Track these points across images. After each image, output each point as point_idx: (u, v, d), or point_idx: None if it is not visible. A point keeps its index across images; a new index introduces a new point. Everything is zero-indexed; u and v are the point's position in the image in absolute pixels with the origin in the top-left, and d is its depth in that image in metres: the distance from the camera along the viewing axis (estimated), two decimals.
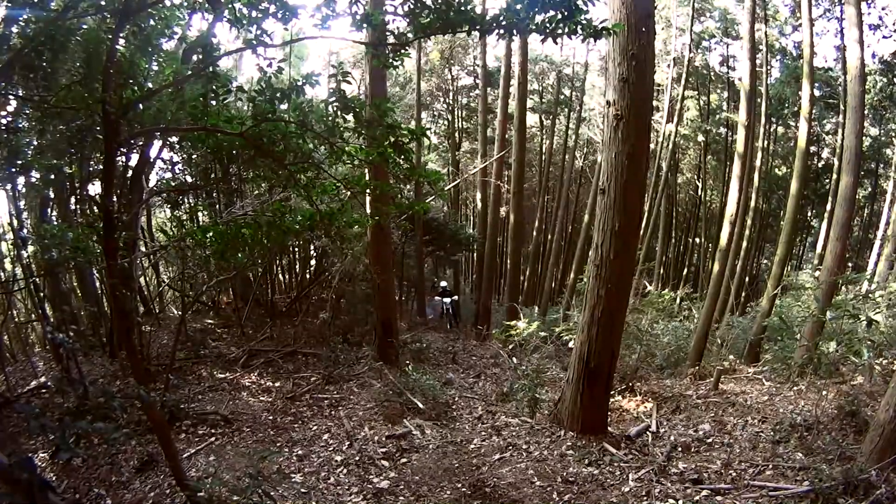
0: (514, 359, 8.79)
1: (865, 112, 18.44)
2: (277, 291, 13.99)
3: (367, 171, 8.41)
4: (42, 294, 8.46)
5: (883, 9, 20.38)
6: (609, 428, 6.29)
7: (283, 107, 4.29)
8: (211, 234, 5.35)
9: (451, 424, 7.18)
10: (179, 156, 10.60)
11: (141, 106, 3.98)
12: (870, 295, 8.74)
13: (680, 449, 5.66)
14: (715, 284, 12.11)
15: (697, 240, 29.68)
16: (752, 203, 18.20)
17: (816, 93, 18.93)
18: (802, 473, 4.74)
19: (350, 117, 4.51)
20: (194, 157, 10.35)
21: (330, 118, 4.42)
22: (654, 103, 22.23)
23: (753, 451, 5.40)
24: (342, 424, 7.06)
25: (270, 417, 7.33)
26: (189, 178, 11.29)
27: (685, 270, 28.42)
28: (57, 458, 5.29)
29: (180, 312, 12.06)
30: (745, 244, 17.08)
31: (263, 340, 10.74)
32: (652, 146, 22.00)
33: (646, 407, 7.25)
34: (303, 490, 5.29)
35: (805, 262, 24.95)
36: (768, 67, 20.97)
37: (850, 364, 7.85)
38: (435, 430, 6.87)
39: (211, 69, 3.97)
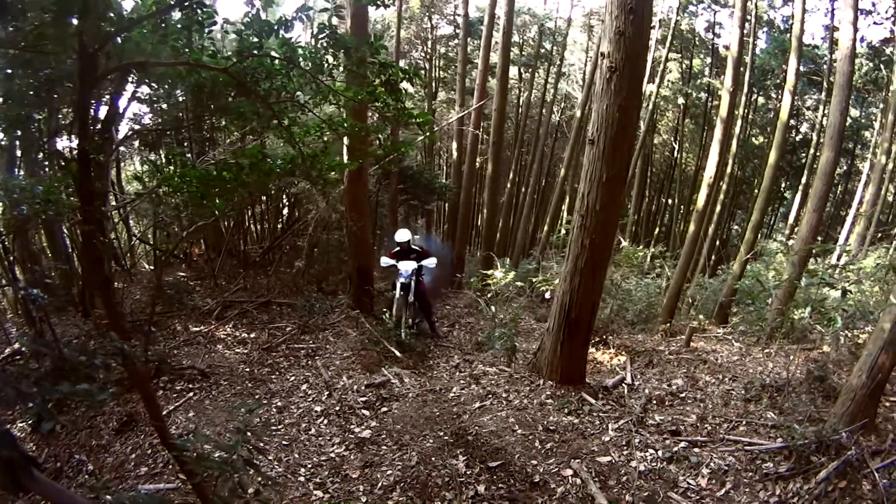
0: (493, 307, 9.02)
1: (851, 93, 19.15)
2: (249, 242, 13.80)
3: (345, 113, 8.30)
4: (12, 256, 8.16)
5: None
6: (586, 380, 6.48)
7: (269, 43, 4.18)
8: (189, 178, 5.18)
9: (429, 373, 7.34)
10: (149, 105, 10.12)
11: (119, 39, 3.82)
12: (846, 267, 9.19)
13: (654, 402, 5.91)
14: (689, 244, 12.55)
15: (670, 201, 30.32)
16: (728, 169, 18.61)
17: (802, 68, 19.32)
18: (775, 431, 5.01)
19: (338, 56, 4.42)
20: (165, 106, 9.94)
21: (319, 55, 4.34)
22: None
23: (726, 408, 5.67)
24: (320, 374, 7.15)
25: (247, 370, 7.36)
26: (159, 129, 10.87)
27: (656, 230, 29.07)
28: (40, 429, 5.23)
29: (152, 267, 11.92)
30: (718, 208, 17.53)
31: (237, 292, 10.73)
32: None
33: (619, 360, 7.50)
34: (284, 442, 5.38)
35: (775, 231, 25.81)
36: (754, 37, 21.25)
37: (816, 333, 8.27)
38: (413, 379, 7.03)
39: None
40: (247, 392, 6.70)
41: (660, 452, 4.80)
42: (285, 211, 14.40)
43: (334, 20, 4.21)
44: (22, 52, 5.38)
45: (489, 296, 10.57)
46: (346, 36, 4.28)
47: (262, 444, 5.05)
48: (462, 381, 6.94)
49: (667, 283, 12.43)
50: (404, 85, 5.57)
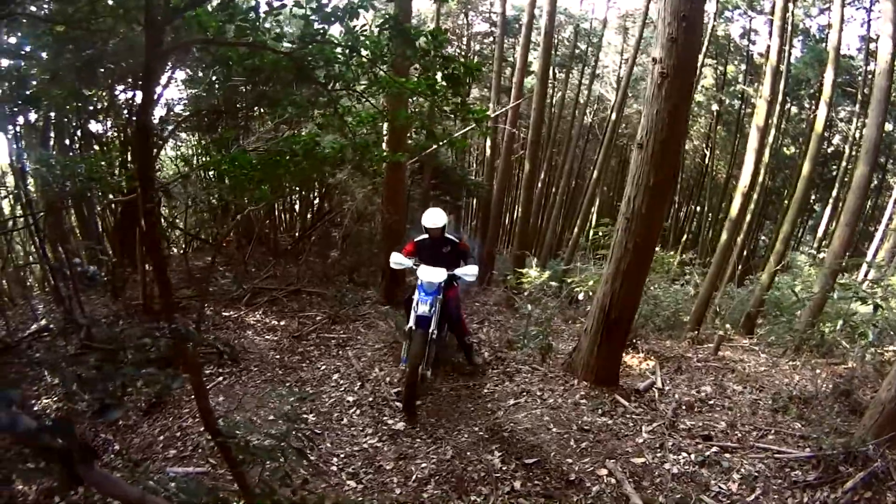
0: (530, 305, 9.04)
1: (888, 108, 19.23)
2: (280, 230, 14.05)
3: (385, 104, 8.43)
4: (42, 234, 7.97)
5: None
6: (619, 382, 6.66)
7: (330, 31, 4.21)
8: (240, 162, 5.34)
9: (462, 369, 7.48)
10: (192, 88, 10.28)
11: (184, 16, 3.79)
12: (878, 282, 9.32)
13: (684, 407, 6.09)
14: (721, 253, 12.72)
15: (699, 208, 30.27)
16: (760, 179, 18.63)
17: (839, 80, 19.36)
18: (803, 441, 5.20)
19: (400, 47, 4.41)
20: (206, 91, 9.91)
21: (381, 45, 4.36)
22: None
23: (754, 416, 5.85)
24: (351, 364, 7.32)
25: (277, 356, 7.52)
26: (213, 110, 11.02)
27: (684, 237, 29.05)
28: (106, 417, 5.29)
29: (183, 251, 12.13)
30: (748, 218, 17.57)
31: (267, 279, 10.87)
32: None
33: (648, 364, 7.66)
34: (316, 430, 5.54)
35: (803, 244, 25.72)
36: (790, 47, 21.27)
37: (842, 348, 8.40)
38: (446, 373, 7.19)
39: None
40: (277, 379, 6.88)
41: (692, 456, 5.00)
42: (316, 201, 14.62)
43: (379, 4, 4.25)
44: (71, 29, 5.45)
45: (525, 294, 10.68)
46: (409, 27, 4.35)
47: (313, 433, 5.34)
48: (495, 378, 7.12)
49: (695, 291, 12.57)
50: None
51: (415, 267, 6.71)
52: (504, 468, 4.89)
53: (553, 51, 28.06)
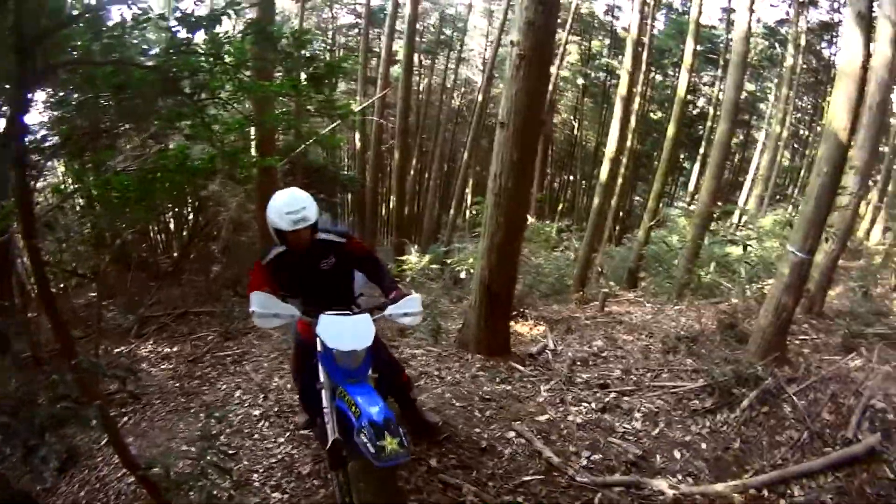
0: (413, 291, 9.04)
1: (746, 70, 21.30)
2: (158, 252, 13.43)
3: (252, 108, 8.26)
4: None
5: None
6: (511, 350, 6.77)
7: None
8: (114, 185, 5.09)
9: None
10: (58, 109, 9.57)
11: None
12: (745, 225, 10.02)
13: (579, 363, 6.29)
14: (595, 216, 13.50)
15: (572, 177, 31.60)
16: (629, 144, 19.67)
17: (699, 48, 20.97)
18: (695, 374, 5.51)
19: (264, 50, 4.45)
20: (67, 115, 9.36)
21: (244, 50, 4.35)
22: None
23: (647, 360, 6.14)
24: (251, 378, 7.05)
25: (177, 385, 7.24)
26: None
27: (560, 205, 30.26)
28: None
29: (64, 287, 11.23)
30: (620, 181, 18.48)
31: (152, 306, 10.40)
32: None
33: (539, 330, 7.81)
34: (231, 451, 5.21)
35: (677, 199, 27.61)
36: (653, 19, 22.80)
37: (724, 288, 8.94)
38: None
39: None
40: (181, 407, 6.56)
41: (593, 405, 5.15)
42: (191, 217, 14.06)
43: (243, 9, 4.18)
44: None
45: (407, 281, 10.67)
46: (274, 30, 4.38)
47: (228, 448, 5.03)
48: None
49: (575, 256, 13.05)
50: None
51: (309, 320, 3.58)
52: (417, 449, 4.80)
53: (418, 38, 28.51)
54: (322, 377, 3.56)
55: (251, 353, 8.04)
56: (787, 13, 24.73)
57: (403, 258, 11.21)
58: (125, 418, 6.36)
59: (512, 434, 4.83)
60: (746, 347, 5.57)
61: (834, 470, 3.91)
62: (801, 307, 7.77)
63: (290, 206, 3.72)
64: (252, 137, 9.47)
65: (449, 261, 11.52)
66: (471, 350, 6.71)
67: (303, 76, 4.73)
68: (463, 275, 11.29)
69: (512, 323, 7.90)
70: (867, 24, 5.20)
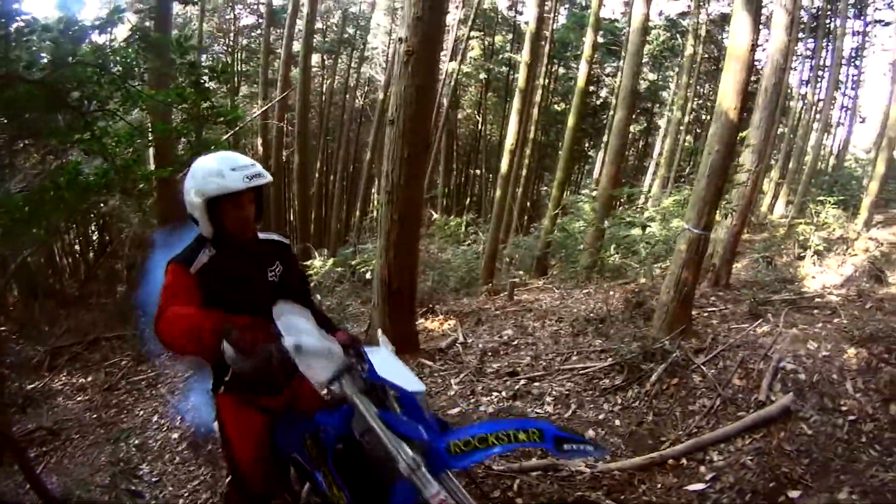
0: (319, 296, 8.82)
1: (647, 60, 22.52)
2: (64, 277, 12.88)
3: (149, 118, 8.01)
4: None
5: None
6: (421, 346, 6.68)
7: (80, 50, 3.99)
8: (6, 207, 4.72)
9: None
10: None
11: None
12: (645, 207, 10.31)
13: (490, 353, 6.23)
14: (498, 208, 13.73)
15: (478, 171, 32.04)
16: (531, 135, 20.06)
17: (600, 40, 21.80)
18: (604, 354, 5.53)
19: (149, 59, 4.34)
20: None
21: (130, 59, 4.21)
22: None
23: (557, 345, 6.14)
24: (167, 401, 6.95)
25: (94, 416, 7.05)
26: None
27: (467, 200, 30.70)
28: None
29: None
30: (524, 172, 18.91)
31: (63, 335, 10.08)
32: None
33: (449, 324, 7.76)
34: (154, 479, 5.13)
35: (583, 187, 28.47)
36: (555, 14, 23.36)
37: (630, 269, 9.14)
38: None
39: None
40: (101, 439, 6.38)
41: (503, 393, 5.11)
42: (95, 236, 13.52)
43: (132, 17, 4.01)
44: None
45: (311, 286, 10.43)
46: (158, 37, 4.25)
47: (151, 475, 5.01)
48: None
49: (483, 248, 13.13)
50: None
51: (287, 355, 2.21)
52: None
53: (322, 37, 28.25)
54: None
55: (165, 374, 7.92)
56: (689, 6, 26.02)
57: (308, 262, 10.95)
58: (46, 458, 6.19)
59: None
60: (651, 323, 5.67)
61: (750, 432, 3.98)
62: (707, 281, 8.05)
63: (237, 160, 2.46)
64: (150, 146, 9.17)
65: (354, 262, 11.34)
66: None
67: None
68: (368, 275, 11.17)
69: (422, 319, 7.89)
70: (756, 11, 5.37)
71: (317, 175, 25.73)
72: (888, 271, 8.63)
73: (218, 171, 2.39)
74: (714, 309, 7.01)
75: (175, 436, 5.91)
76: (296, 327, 2.30)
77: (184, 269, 2.40)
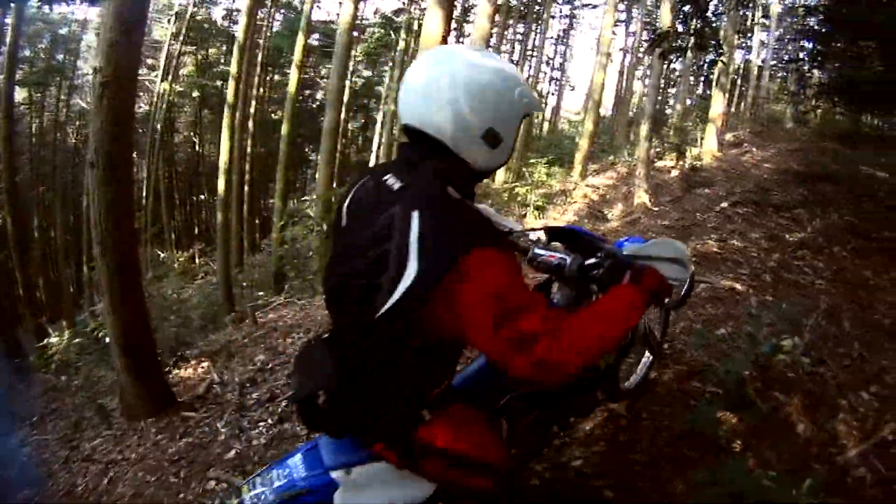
0: (63, 377, 8.36)
1: (362, 58, 23.40)
2: None
3: None
4: None
5: None
6: (180, 400, 6.65)
7: None
8: None
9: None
10: None
11: None
12: None
13: (248, 384, 6.50)
14: (223, 232, 13.79)
15: (202, 196, 30.95)
16: (249, 149, 19.87)
17: (315, 43, 22.01)
18: None
19: None
20: None
21: None
22: (151, 61, 22.34)
23: None
24: None
25: None
26: None
27: (196, 229, 29.56)
28: None
29: None
30: (247, 189, 18.76)
31: None
32: (147, 108, 22.16)
33: (203, 367, 7.83)
34: None
35: (309, 192, 28.96)
36: (271, 20, 23.04)
37: None
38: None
39: None
40: None
41: (269, 420, 5.50)
42: None
43: None
44: None
45: (54, 367, 9.86)
46: None
47: None
48: (77, 469, 6.39)
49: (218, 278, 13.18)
50: None
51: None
52: None
53: (30, 67, 24.62)
54: None
55: None
56: (404, 2, 27.14)
57: (44, 342, 10.29)
58: None
59: (212, 483, 4.95)
60: None
61: None
62: None
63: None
64: None
65: (90, 327, 10.79)
66: (139, 416, 6.46)
67: None
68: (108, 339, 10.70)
69: (176, 370, 7.89)
70: (449, 5, 5.81)
71: (36, 233, 23.16)
72: (606, 210, 10.33)
73: (516, 89, 1.88)
74: None
75: None
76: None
77: (503, 251, 1.74)
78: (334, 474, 1.96)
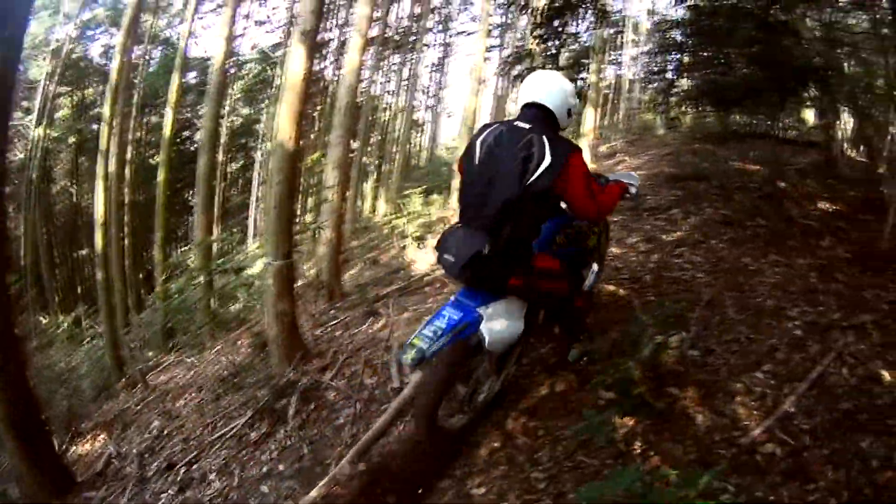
0: None
1: (240, 96, 22.33)
2: None
3: None
4: None
5: (273, 8, 29.74)
6: (80, 480, 6.15)
7: None
8: None
9: None
10: None
11: None
12: (238, 250, 10.82)
13: (146, 454, 6.16)
14: (104, 291, 12.82)
15: (84, 251, 29.18)
16: (127, 198, 18.77)
17: (194, 81, 21.00)
18: (244, 407, 5.88)
19: None
20: None
21: None
22: (25, 104, 20.81)
23: (202, 417, 6.32)
24: None
25: None
26: None
27: (79, 287, 27.88)
28: None
29: None
30: (128, 241, 17.75)
31: None
32: (22, 156, 20.64)
33: (100, 440, 7.41)
34: None
35: (193, 240, 27.85)
36: (149, 58, 21.86)
37: (252, 312, 9.52)
38: None
39: None
40: None
41: (171, 491, 5.19)
42: None
43: None
44: None
45: None
46: None
47: None
48: None
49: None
50: None
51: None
52: None
53: None
54: None
55: None
56: (281, 37, 26.57)
57: None
58: None
59: None
60: (270, 361, 6.16)
61: (400, 417, 4.57)
62: (322, 298, 8.76)
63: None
64: None
65: None
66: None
67: None
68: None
69: (73, 448, 7.36)
70: (311, 42, 5.75)
71: None
72: None
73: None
74: (335, 322, 7.71)
75: None
76: None
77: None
78: (480, 310, 3.38)
